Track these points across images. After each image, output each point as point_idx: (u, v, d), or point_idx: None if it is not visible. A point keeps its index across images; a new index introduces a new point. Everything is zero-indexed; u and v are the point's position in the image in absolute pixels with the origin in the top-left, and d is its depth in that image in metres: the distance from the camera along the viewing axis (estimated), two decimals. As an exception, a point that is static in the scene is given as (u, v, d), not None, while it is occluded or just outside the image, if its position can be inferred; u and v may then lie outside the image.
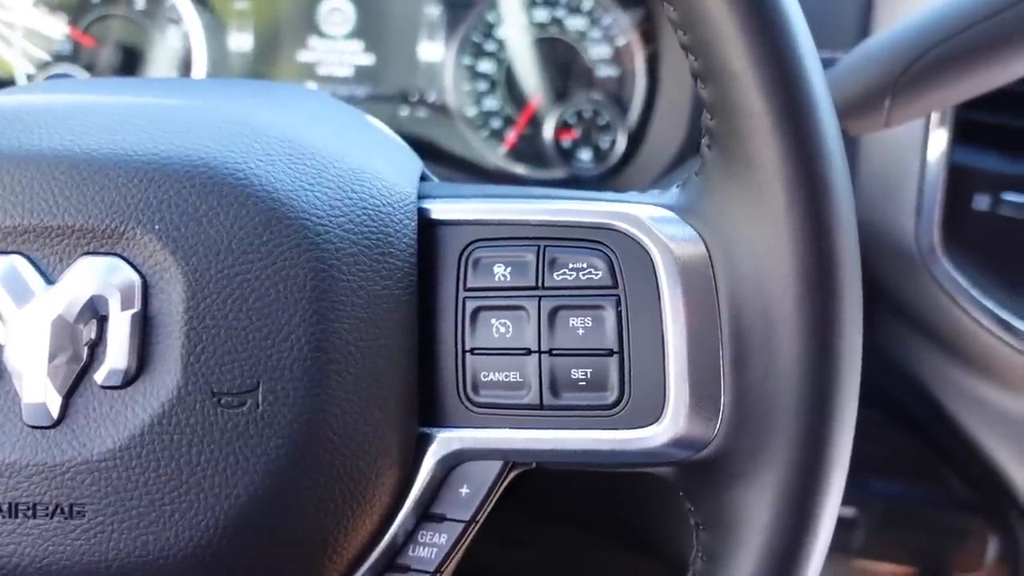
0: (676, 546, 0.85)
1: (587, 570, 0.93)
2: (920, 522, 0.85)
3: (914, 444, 0.84)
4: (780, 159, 0.35)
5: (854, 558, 0.85)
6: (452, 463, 0.40)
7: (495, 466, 0.40)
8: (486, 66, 0.92)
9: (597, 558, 0.92)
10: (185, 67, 0.89)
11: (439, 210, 0.41)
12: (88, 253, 0.37)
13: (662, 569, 0.91)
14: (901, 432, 0.83)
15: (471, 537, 0.40)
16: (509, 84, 0.91)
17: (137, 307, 0.36)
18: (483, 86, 0.92)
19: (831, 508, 0.36)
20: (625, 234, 0.40)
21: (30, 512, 0.35)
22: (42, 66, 0.89)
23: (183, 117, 0.40)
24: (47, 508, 0.35)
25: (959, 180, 0.72)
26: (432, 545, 0.40)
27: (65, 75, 0.88)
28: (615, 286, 0.39)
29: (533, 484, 0.47)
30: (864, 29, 0.77)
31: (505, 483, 0.40)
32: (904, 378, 0.79)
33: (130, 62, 0.90)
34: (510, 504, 0.42)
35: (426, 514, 0.40)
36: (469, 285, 0.40)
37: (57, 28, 0.89)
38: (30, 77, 0.89)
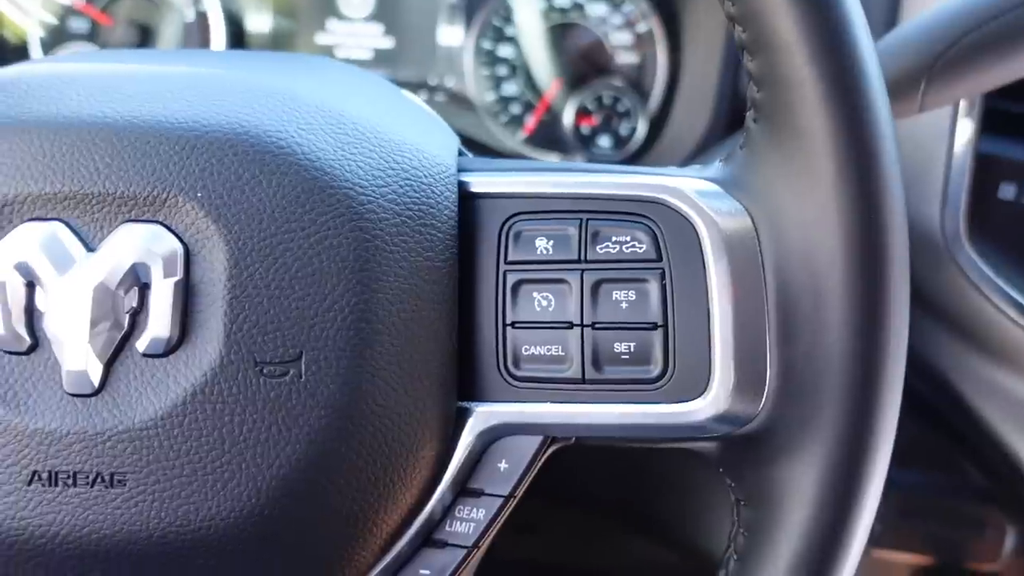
0: (690, 533, 0.85)
1: (601, 557, 0.93)
2: (938, 512, 0.85)
3: (933, 433, 0.83)
4: (830, 129, 0.35)
5: (871, 547, 0.85)
6: (491, 438, 0.39)
7: (534, 441, 0.39)
8: (506, 51, 0.91)
9: (610, 544, 0.92)
10: (203, 48, 0.89)
11: (479, 183, 0.41)
12: (129, 220, 0.36)
13: (674, 556, 0.90)
14: (920, 421, 0.83)
15: (508, 512, 0.40)
16: (528, 70, 0.91)
17: (179, 275, 0.36)
18: (503, 71, 0.91)
19: (878, 481, 0.36)
20: (669, 207, 0.39)
21: (70, 480, 0.35)
22: (58, 42, 0.89)
23: (223, 86, 0.40)
24: (87, 477, 0.35)
25: (985, 169, 0.72)
26: (470, 520, 0.39)
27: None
28: (659, 259, 0.39)
29: (549, 469, 0.46)
30: (892, 17, 0.77)
31: (544, 458, 0.40)
32: (924, 366, 0.79)
33: (147, 42, 0.89)
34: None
35: (464, 489, 0.39)
36: (510, 258, 0.40)
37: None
38: (45, 48, 0.89)
